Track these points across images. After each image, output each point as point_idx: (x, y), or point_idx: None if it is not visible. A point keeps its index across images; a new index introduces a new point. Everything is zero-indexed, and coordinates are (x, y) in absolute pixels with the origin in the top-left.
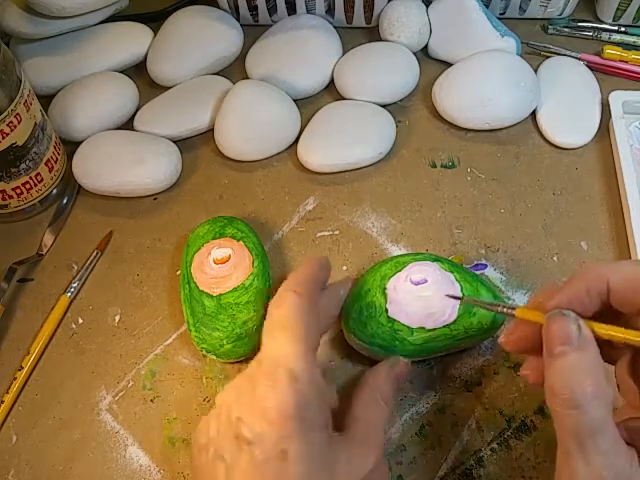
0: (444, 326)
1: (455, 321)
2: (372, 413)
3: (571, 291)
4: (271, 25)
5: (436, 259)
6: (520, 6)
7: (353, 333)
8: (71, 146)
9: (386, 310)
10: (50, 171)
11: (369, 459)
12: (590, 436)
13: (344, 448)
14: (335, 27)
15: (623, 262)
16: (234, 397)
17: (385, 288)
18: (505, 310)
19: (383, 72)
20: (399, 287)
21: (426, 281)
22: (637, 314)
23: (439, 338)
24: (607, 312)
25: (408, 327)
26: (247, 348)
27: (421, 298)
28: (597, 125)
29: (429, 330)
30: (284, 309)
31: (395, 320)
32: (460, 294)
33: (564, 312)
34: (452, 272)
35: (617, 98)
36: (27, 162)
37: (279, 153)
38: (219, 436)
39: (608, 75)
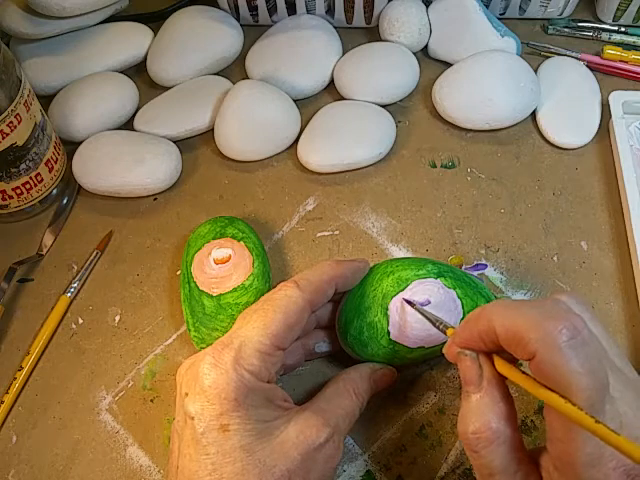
0: (442, 343)
1: None
2: (338, 397)
3: (467, 334)
4: (271, 25)
5: (439, 274)
6: (520, 6)
7: (351, 348)
8: (71, 146)
9: (388, 333)
10: (50, 171)
11: (321, 432)
12: (490, 477)
13: (296, 419)
14: (335, 27)
15: (508, 308)
16: (185, 370)
17: (387, 309)
18: (441, 327)
19: (383, 72)
20: (401, 309)
21: (429, 302)
22: (526, 360)
23: (436, 352)
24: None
25: (408, 347)
26: None
27: (423, 321)
28: (597, 125)
29: (428, 348)
30: (277, 297)
31: (396, 342)
32: (461, 312)
33: (466, 352)
34: (455, 288)
35: (617, 98)
36: (27, 162)
37: (279, 153)
38: (176, 410)
39: (608, 75)
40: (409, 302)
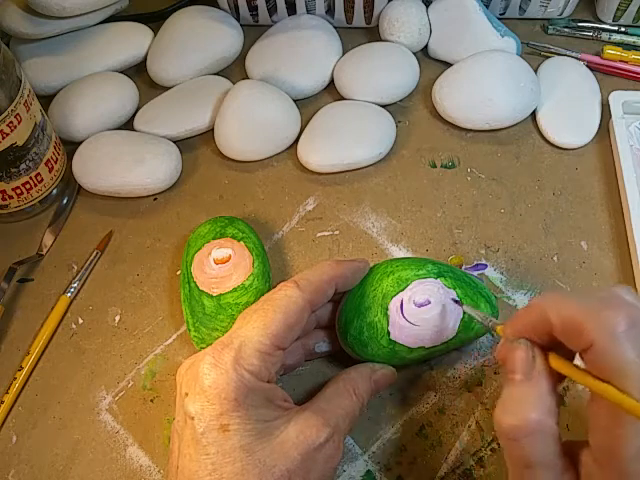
0: (442, 343)
1: (454, 337)
2: (338, 397)
3: (520, 326)
4: (271, 25)
5: (439, 274)
6: (520, 6)
7: (351, 348)
8: (71, 146)
9: (388, 333)
10: (50, 171)
11: (321, 432)
12: (527, 468)
13: (296, 419)
14: (335, 27)
15: (564, 298)
16: (185, 370)
17: (387, 309)
18: (491, 324)
19: (383, 72)
20: (401, 309)
21: (429, 302)
22: (582, 352)
23: (436, 352)
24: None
25: (408, 347)
26: None
27: (423, 320)
28: (597, 125)
29: (428, 348)
30: (277, 297)
31: (396, 342)
32: (461, 312)
33: (520, 341)
34: (455, 288)
35: (617, 98)
36: (27, 162)
37: (279, 153)
38: (176, 410)
39: (608, 75)
40: (457, 301)
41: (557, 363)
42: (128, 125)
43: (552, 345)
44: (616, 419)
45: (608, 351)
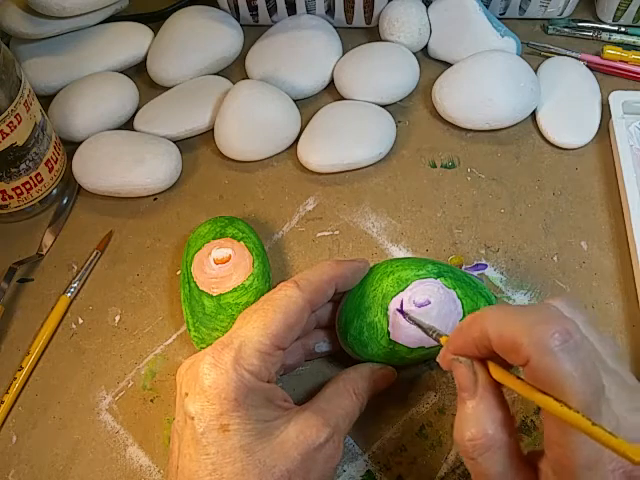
0: None
1: None
2: (338, 397)
3: (461, 342)
4: (271, 25)
5: (439, 274)
6: (520, 6)
7: (351, 348)
8: (71, 146)
9: (388, 333)
10: (50, 171)
11: (321, 432)
12: None
13: (296, 419)
14: (335, 27)
15: (501, 314)
16: (185, 370)
17: (387, 309)
18: (435, 335)
19: (383, 72)
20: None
21: (429, 302)
22: (521, 366)
23: (436, 352)
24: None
25: (408, 347)
26: None
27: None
28: (597, 125)
29: (428, 348)
30: (277, 297)
31: (396, 342)
32: (461, 312)
33: (460, 359)
34: (455, 288)
35: (617, 98)
36: (27, 162)
37: (279, 153)
38: (176, 410)
39: (608, 75)
40: (401, 312)
41: (498, 374)
42: (128, 125)
43: (495, 357)
44: (565, 430)
45: (545, 366)
